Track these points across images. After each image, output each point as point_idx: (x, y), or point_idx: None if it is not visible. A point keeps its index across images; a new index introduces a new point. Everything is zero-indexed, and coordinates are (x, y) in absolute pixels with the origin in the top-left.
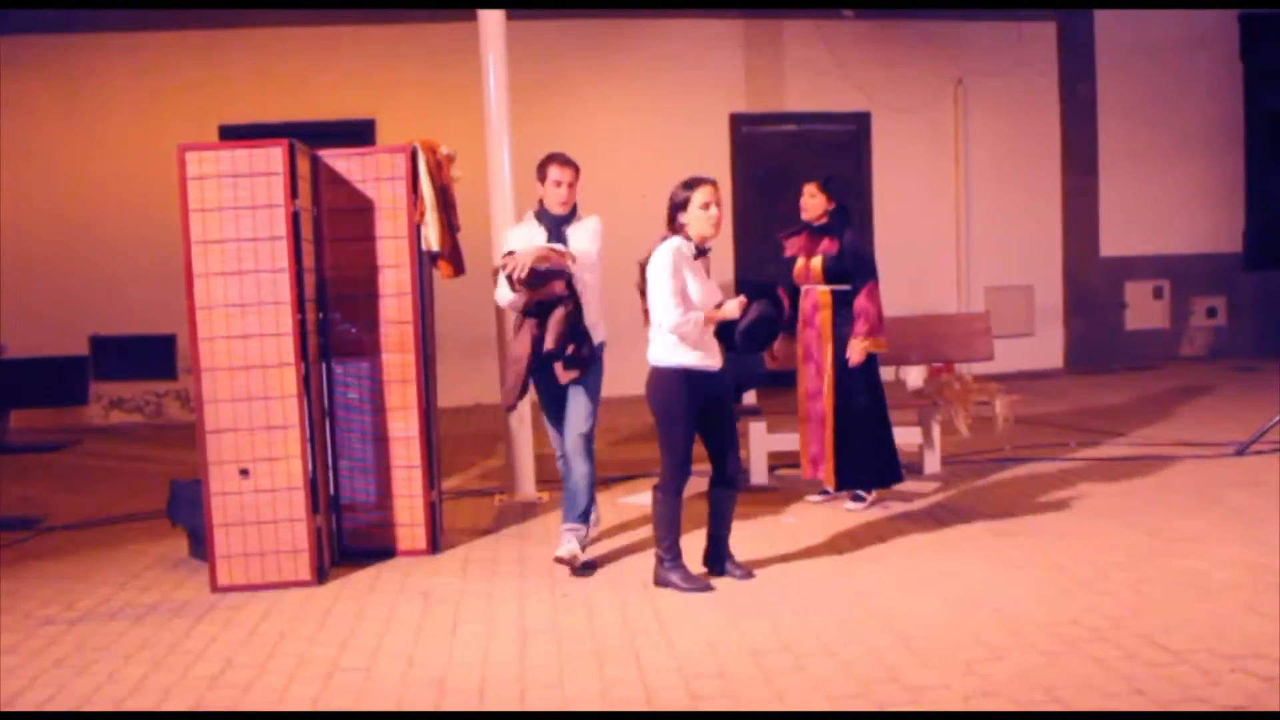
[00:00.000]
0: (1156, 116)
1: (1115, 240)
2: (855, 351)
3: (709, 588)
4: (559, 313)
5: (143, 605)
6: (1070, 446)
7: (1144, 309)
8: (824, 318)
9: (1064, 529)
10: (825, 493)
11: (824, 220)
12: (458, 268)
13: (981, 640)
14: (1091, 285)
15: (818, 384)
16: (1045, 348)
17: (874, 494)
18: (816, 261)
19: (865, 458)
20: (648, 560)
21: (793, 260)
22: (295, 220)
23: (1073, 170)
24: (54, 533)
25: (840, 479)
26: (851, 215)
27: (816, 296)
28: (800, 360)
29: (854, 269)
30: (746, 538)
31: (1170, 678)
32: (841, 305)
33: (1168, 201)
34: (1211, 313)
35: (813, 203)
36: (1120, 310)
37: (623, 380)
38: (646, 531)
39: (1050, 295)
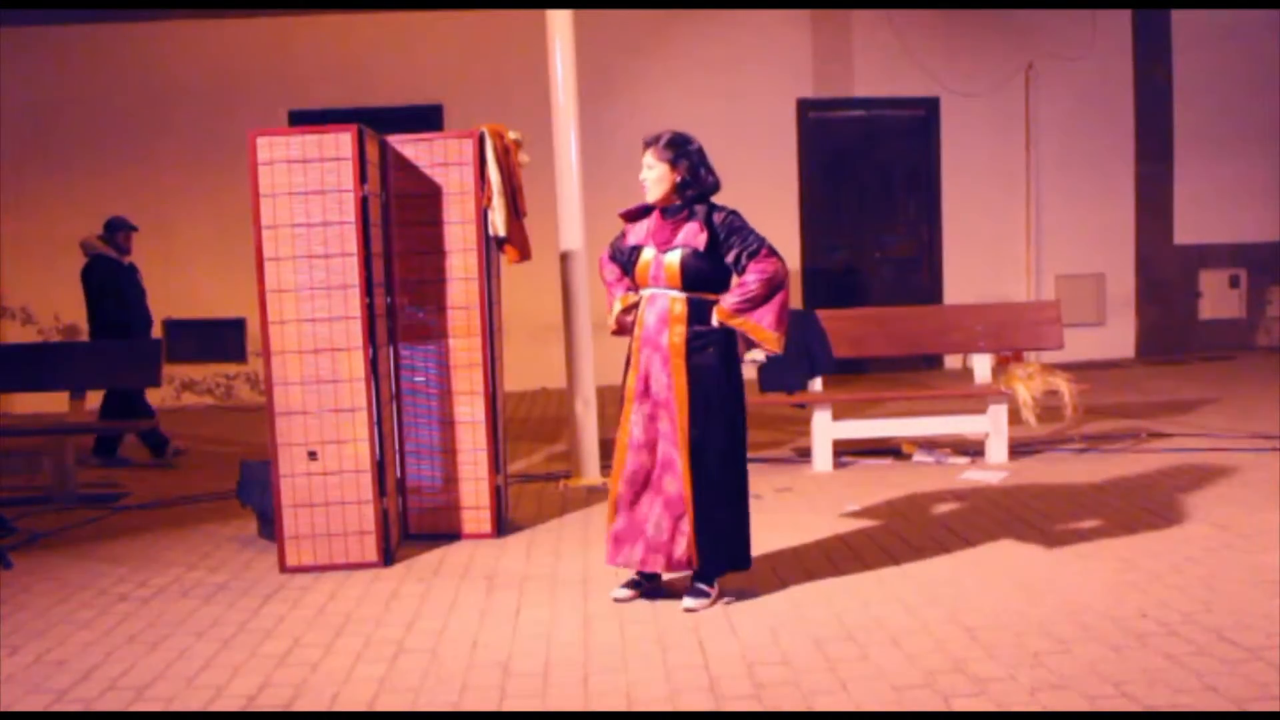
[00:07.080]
0: (1233, 101)
1: (1190, 228)
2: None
3: None
4: None
5: (213, 584)
6: (1141, 438)
7: (1219, 298)
8: (675, 336)
9: (1133, 521)
10: (634, 585)
11: (676, 200)
12: (524, 253)
13: (1048, 632)
14: (1165, 274)
15: (655, 431)
16: (1117, 337)
17: (716, 587)
18: (672, 257)
19: (724, 530)
20: None
21: (635, 251)
22: (364, 205)
23: (1146, 156)
24: (129, 511)
25: (702, 559)
26: (711, 186)
27: (667, 305)
28: (631, 392)
29: (737, 247)
30: (812, 525)
31: (1243, 674)
32: (701, 320)
33: (1244, 188)
34: None
35: (652, 175)
36: (1194, 299)
37: None
38: None
39: (1122, 284)
